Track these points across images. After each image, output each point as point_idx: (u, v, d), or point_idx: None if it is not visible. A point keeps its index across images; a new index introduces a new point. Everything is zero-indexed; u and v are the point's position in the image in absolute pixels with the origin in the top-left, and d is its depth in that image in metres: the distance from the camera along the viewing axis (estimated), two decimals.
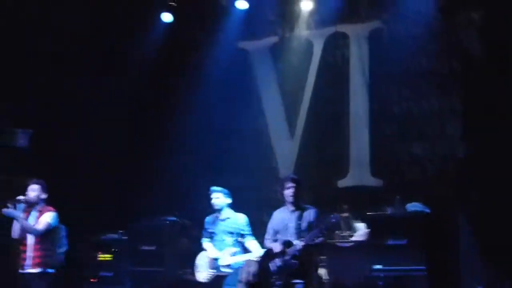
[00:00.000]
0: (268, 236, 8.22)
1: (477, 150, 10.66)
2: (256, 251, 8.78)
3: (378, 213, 9.98)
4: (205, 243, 9.33)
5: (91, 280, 11.35)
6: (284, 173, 12.46)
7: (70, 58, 12.26)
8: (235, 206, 9.51)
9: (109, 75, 12.46)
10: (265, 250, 8.40)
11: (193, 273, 11.43)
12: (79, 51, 12.40)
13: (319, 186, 11.77)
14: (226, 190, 9.22)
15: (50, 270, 8.39)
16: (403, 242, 9.55)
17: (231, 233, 9.02)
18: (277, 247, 7.83)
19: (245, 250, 9.02)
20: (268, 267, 7.92)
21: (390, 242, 9.61)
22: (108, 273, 11.33)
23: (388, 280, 9.42)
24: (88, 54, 12.43)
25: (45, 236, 8.39)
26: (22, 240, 8.45)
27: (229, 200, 9.21)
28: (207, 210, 12.89)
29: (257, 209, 11.89)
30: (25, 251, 8.41)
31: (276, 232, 8.07)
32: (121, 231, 11.47)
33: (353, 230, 10.25)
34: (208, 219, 9.34)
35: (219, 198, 9.15)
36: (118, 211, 11.88)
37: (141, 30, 12.94)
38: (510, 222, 9.73)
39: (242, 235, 8.99)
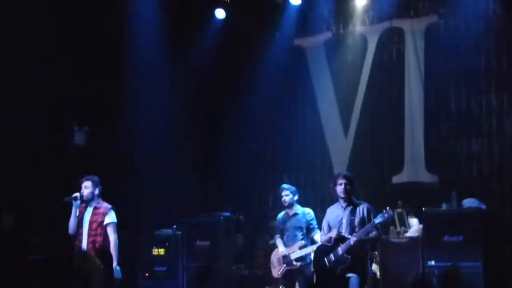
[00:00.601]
0: (322, 232, 8.27)
1: None
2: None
3: (434, 209, 9.86)
4: (277, 239, 9.57)
5: (146, 274, 11.46)
6: (338, 170, 12.44)
7: (126, 55, 12.37)
8: None
9: (165, 73, 12.56)
10: (318, 245, 8.44)
11: (247, 269, 11.58)
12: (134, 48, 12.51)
13: (373, 182, 11.72)
14: (293, 187, 9.49)
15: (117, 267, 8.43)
16: (459, 238, 9.44)
17: (301, 227, 9.31)
18: (333, 234, 7.89)
19: (313, 243, 9.22)
20: (324, 261, 7.94)
21: (446, 238, 9.52)
22: (162, 267, 11.44)
23: (442, 277, 9.30)
24: (144, 51, 12.52)
25: (101, 233, 8.46)
26: (78, 236, 8.53)
27: (297, 197, 9.49)
28: (263, 206, 13.10)
29: (313, 205, 11.93)
30: (80, 247, 8.47)
31: (330, 228, 8.12)
32: (175, 226, 11.55)
33: (407, 226, 10.16)
34: (279, 216, 9.59)
35: (289, 195, 9.41)
36: (173, 206, 11.97)
37: (196, 26, 13.02)
38: None
39: (310, 229, 9.29)
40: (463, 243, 9.37)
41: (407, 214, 10.19)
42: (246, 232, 11.64)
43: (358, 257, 7.78)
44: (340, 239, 7.82)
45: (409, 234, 9.99)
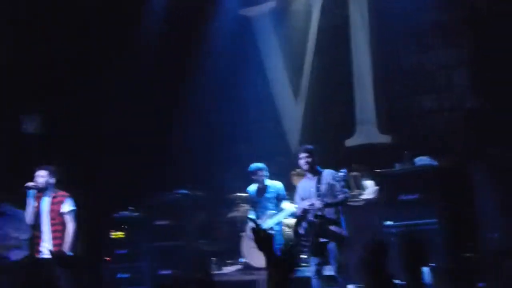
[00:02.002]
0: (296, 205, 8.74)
1: (485, 102, 10.55)
2: (288, 208, 9.43)
3: (387, 169, 9.94)
4: (250, 215, 9.90)
5: (106, 259, 11.42)
6: (291, 137, 12.51)
7: (80, 38, 12.22)
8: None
9: (118, 53, 12.44)
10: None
11: (209, 244, 11.63)
12: (86, 31, 12.36)
13: (327, 146, 11.73)
14: (262, 165, 9.83)
15: (68, 254, 8.38)
16: (414, 196, 9.53)
17: (272, 199, 9.68)
18: (303, 205, 8.31)
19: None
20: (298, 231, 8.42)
21: (401, 197, 9.61)
22: (122, 250, 11.43)
23: (400, 236, 9.40)
24: (94, 31, 12.36)
25: (62, 222, 8.43)
26: (37, 227, 8.49)
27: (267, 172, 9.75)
28: (220, 180, 13.11)
29: (272, 174, 12.00)
30: (39, 237, 8.45)
31: (302, 200, 8.54)
32: (132, 208, 11.51)
33: (362, 188, 10.24)
34: (250, 190, 9.66)
35: (263, 175, 9.78)
36: (129, 188, 11.89)
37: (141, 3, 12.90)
38: None
39: (280, 199, 9.64)
40: (419, 201, 9.44)
41: (362, 177, 10.26)
42: (205, 207, 11.65)
43: (331, 221, 8.22)
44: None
45: (365, 196, 10.07)
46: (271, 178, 10.15)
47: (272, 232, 9.31)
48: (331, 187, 8.26)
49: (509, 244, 8.99)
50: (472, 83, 10.93)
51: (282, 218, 9.39)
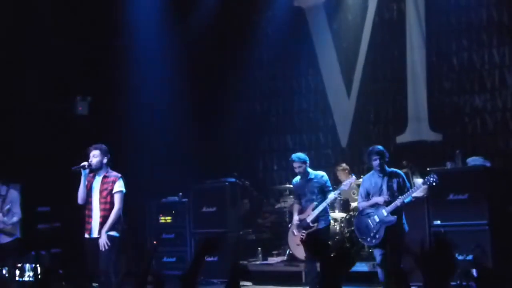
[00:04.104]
0: (360, 198, 8.97)
1: None
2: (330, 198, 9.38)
3: (438, 168, 9.85)
4: (294, 207, 9.74)
5: (154, 242, 11.54)
6: (341, 131, 12.47)
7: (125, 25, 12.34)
8: None
9: (168, 38, 12.51)
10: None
11: (254, 233, 11.65)
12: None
13: (377, 142, 11.66)
14: (302, 155, 9.52)
15: (115, 234, 8.46)
16: (464, 197, 9.46)
17: (316, 191, 9.44)
18: (380, 201, 8.73)
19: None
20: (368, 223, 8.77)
21: (451, 197, 9.54)
22: (169, 235, 11.53)
23: (449, 235, 9.33)
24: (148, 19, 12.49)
25: (112, 201, 8.47)
26: (87, 205, 8.54)
27: (307, 163, 9.52)
28: (268, 170, 13.14)
29: (317, 166, 11.97)
30: (90, 216, 8.50)
31: (368, 194, 8.86)
32: (181, 194, 11.60)
33: (412, 185, 10.15)
34: (295, 181, 9.67)
35: (301, 166, 9.45)
36: (179, 174, 11.97)
37: None
38: None
39: (325, 191, 9.44)
40: (469, 202, 9.38)
41: (412, 174, 10.19)
42: (252, 196, 11.68)
43: (398, 216, 8.65)
44: (386, 203, 8.69)
45: (415, 194, 9.98)
46: (315, 170, 10.08)
47: (315, 224, 9.32)
48: (400, 186, 8.71)
49: None
50: None
51: (325, 205, 9.36)
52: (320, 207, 9.29)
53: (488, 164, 9.72)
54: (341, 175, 11.27)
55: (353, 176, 9.78)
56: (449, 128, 11.47)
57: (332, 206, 11.52)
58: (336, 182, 11.54)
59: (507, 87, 11.09)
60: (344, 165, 11.23)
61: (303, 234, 9.36)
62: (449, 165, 9.95)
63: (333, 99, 12.71)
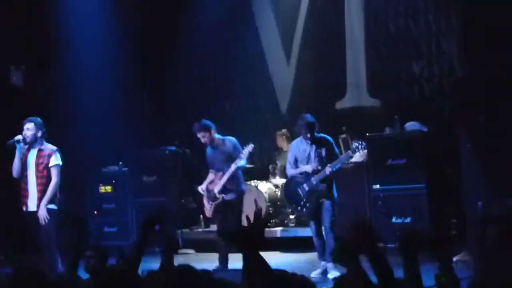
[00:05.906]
0: (289, 165, 8.85)
1: (476, 68, 10.55)
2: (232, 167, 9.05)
3: (377, 133, 9.99)
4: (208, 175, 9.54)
5: (94, 212, 11.44)
6: (280, 96, 12.49)
7: None
8: (237, 130, 10.28)
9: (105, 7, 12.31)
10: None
11: (194, 201, 11.64)
12: None
13: (317, 108, 11.73)
14: (208, 123, 9.21)
15: (54, 207, 8.37)
16: (403, 161, 9.62)
17: (225, 159, 9.21)
18: (308, 169, 8.59)
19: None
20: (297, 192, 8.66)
21: (390, 162, 9.69)
22: (110, 204, 11.44)
23: (388, 199, 9.52)
24: None
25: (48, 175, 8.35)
26: (22, 179, 8.41)
27: (213, 130, 9.22)
28: None
29: (256, 131, 12.02)
30: (26, 189, 8.38)
31: (297, 161, 8.73)
32: (121, 163, 11.50)
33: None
34: (207, 151, 9.41)
35: (205, 135, 9.16)
36: (119, 143, 11.83)
37: None
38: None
39: (234, 158, 9.15)
40: (407, 166, 9.56)
41: (352, 140, 10.28)
42: (193, 165, 11.63)
43: (328, 184, 8.56)
44: (314, 171, 8.55)
45: (354, 159, 10.08)
46: (254, 136, 10.01)
47: (222, 195, 9.18)
48: (329, 153, 8.59)
49: (493, 211, 9.09)
50: (461, 50, 10.92)
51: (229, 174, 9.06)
52: (225, 177, 9.09)
53: (425, 129, 9.88)
54: (280, 141, 11.32)
55: (251, 145, 9.22)
56: (387, 94, 11.59)
57: (273, 173, 11.58)
58: (276, 148, 11.62)
59: (444, 54, 11.23)
60: (284, 130, 11.25)
61: (211, 204, 9.26)
62: (387, 130, 10.08)
63: (273, 65, 12.68)
